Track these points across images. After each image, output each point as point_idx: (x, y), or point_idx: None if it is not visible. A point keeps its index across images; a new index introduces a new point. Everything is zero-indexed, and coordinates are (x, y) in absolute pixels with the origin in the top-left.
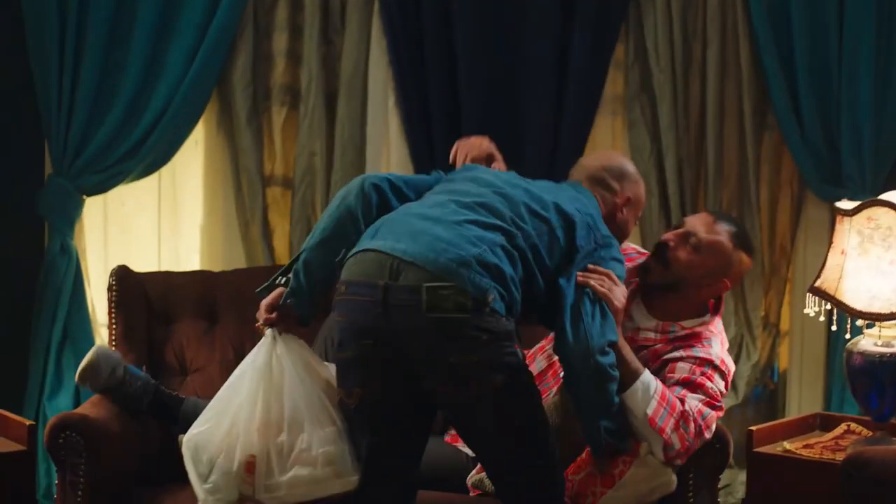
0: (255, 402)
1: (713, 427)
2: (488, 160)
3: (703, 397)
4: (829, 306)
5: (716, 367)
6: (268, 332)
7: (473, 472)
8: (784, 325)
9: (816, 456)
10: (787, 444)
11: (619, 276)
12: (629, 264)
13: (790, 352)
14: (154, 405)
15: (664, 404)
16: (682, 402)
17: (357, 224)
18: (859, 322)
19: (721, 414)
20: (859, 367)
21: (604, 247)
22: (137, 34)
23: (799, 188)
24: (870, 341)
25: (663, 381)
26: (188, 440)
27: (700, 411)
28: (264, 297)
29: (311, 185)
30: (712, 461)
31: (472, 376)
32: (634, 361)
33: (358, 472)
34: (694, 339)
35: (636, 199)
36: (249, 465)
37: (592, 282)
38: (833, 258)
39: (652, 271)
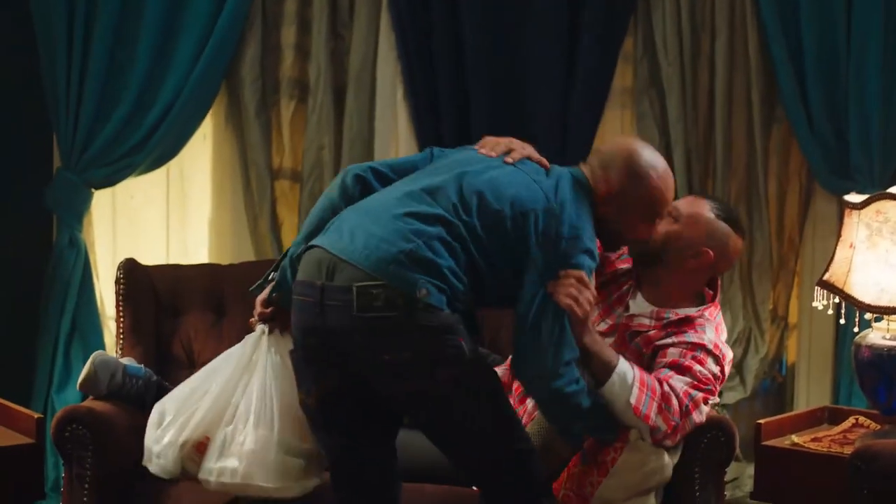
0: (224, 388)
1: (703, 409)
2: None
3: (691, 380)
4: (837, 300)
5: (708, 352)
6: (258, 327)
7: None
8: (792, 318)
9: (824, 449)
10: (795, 438)
11: (587, 269)
12: (625, 266)
13: (798, 345)
14: (157, 401)
15: (645, 390)
16: (664, 383)
17: None
18: (867, 315)
19: (713, 397)
20: (867, 360)
21: (570, 238)
22: (146, 28)
23: (807, 181)
24: (878, 335)
25: (654, 366)
26: (158, 404)
27: (686, 392)
28: (257, 295)
29: (320, 179)
30: (718, 455)
31: (407, 373)
32: (606, 353)
33: (283, 483)
34: (687, 324)
35: (629, 197)
36: (201, 445)
37: (559, 293)
38: (841, 251)
39: (638, 242)
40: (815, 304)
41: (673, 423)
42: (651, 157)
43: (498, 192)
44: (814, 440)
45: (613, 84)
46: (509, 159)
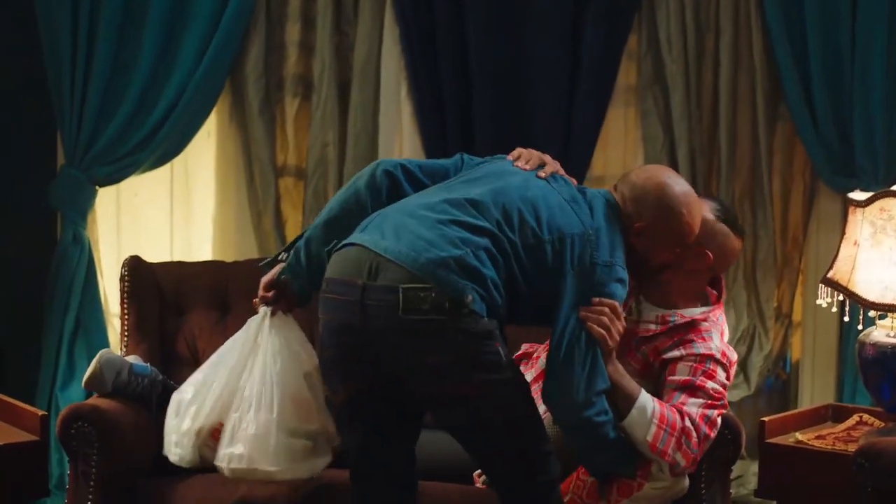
0: (231, 373)
1: (718, 422)
2: None
3: (705, 400)
4: (841, 297)
5: (717, 362)
6: (261, 309)
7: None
8: (796, 315)
9: (828, 447)
10: (799, 435)
11: (619, 298)
12: None
13: (802, 343)
14: (164, 400)
15: (664, 426)
16: (682, 415)
17: (364, 210)
18: (872, 313)
19: (725, 410)
20: (871, 358)
21: (605, 266)
22: (150, 24)
23: (811, 179)
24: (882, 332)
25: (664, 383)
26: (176, 393)
27: (703, 416)
28: (266, 273)
29: (324, 176)
30: (724, 453)
31: (449, 375)
32: (628, 386)
33: (287, 465)
34: (693, 331)
35: (660, 231)
36: (216, 432)
37: (591, 322)
38: (846, 249)
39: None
40: (819, 301)
41: (692, 455)
42: (683, 192)
43: (537, 213)
44: (818, 438)
45: (617, 82)
46: (542, 174)
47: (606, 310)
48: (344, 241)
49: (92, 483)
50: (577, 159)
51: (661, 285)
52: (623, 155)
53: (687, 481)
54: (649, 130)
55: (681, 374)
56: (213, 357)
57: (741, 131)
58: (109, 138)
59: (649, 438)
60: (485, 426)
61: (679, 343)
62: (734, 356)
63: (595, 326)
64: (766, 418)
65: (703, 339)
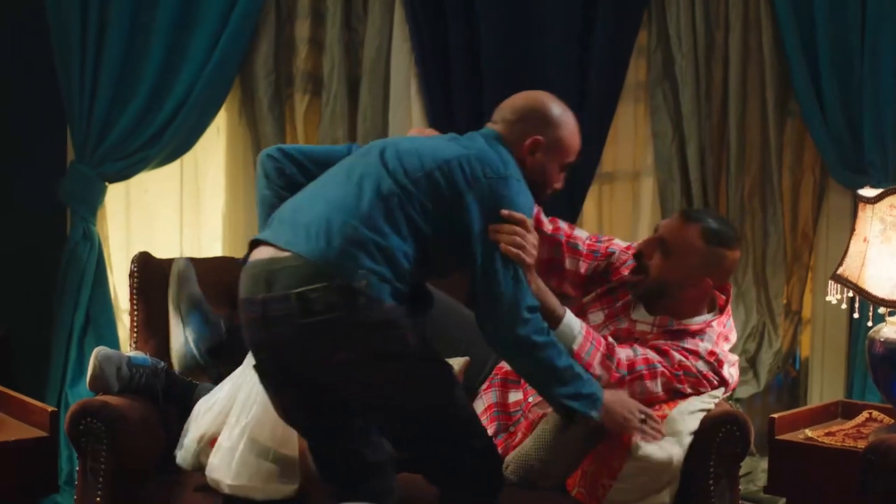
0: (233, 385)
1: (659, 382)
2: None
3: (662, 359)
4: (851, 294)
5: (699, 356)
6: None
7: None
8: (806, 312)
9: (838, 443)
10: (808, 432)
11: (525, 210)
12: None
13: (812, 339)
14: (170, 389)
15: (590, 339)
16: (608, 338)
17: (275, 201)
18: (881, 310)
19: (684, 386)
20: (881, 354)
21: (500, 179)
22: (160, 21)
23: (821, 175)
24: (892, 329)
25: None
26: (199, 403)
27: (647, 359)
28: None
29: None
30: (733, 449)
31: (357, 371)
32: (552, 302)
33: (245, 482)
34: (686, 333)
35: (551, 142)
36: (214, 441)
37: (504, 242)
38: (855, 245)
39: (635, 285)
40: (828, 298)
41: (617, 375)
42: (561, 105)
43: (419, 153)
44: (827, 434)
45: (627, 78)
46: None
47: (517, 228)
48: (250, 241)
49: (101, 479)
50: (586, 155)
51: (663, 303)
52: (633, 151)
53: (677, 461)
54: (659, 126)
55: (653, 342)
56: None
57: (751, 127)
58: (119, 134)
59: (575, 347)
60: (405, 419)
61: (670, 338)
62: (729, 358)
63: (509, 247)
64: (775, 415)
65: (695, 338)
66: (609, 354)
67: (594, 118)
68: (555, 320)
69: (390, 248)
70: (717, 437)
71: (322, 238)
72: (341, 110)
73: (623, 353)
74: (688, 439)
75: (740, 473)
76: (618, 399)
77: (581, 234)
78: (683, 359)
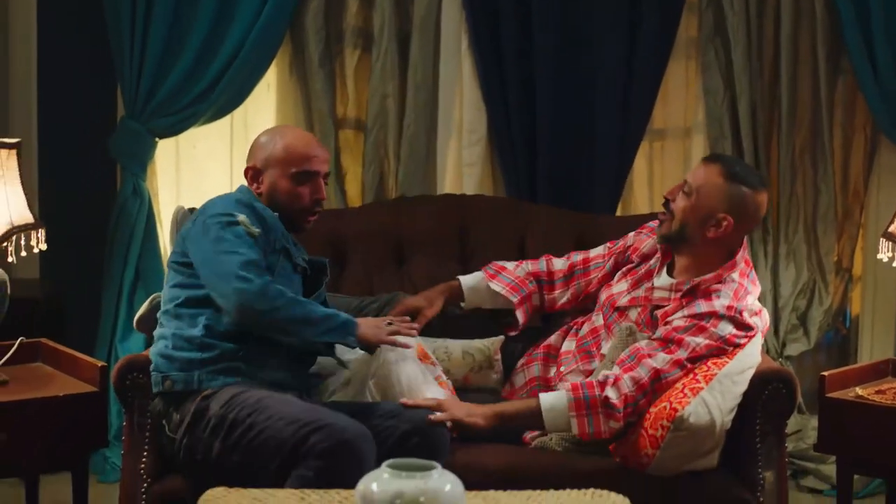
0: None
1: (670, 377)
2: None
3: (678, 355)
4: None
5: (720, 317)
6: None
7: (535, 433)
8: (857, 270)
9: (888, 402)
10: (859, 390)
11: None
12: (650, 242)
13: (862, 297)
14: None
15: (583, 412)
16: (603, 384)
17: None
18: None
19: (731, 353)
20: None
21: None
22: None
23: (872, 133)
24: None
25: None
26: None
27: (655, 371)
28: None
29: (384, 128)
30: (779, 406)
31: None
32: (520, 406)
33: None
34: (701, 292)
35: (266, 162)
36: None
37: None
38: None
39: (662, 223)
40: (879, 255)
41: (621, 416)
42: (275, 129)
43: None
44: (878, 392)
45: (678, 34)
46: None
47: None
48: None
49: (147, 434)
50: (637, 112)
51: (688, 258)
52: (684, 108)
53: (721, 426)
54: (710, 83)
55: (664, 330)
56: None
57: (802, 84)
58: (169, 90)
59: (576, 431)
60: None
61: (684, 306)
62: (750, 306)
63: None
64: (825, 373)
65: (710, 299)
66: (608, 407)
67: (645, 75)
68: (536, 415)
69: (164, 345)
70: (763, 394)
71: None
72: (391, 65)
73: (616, 390)
74: (735, 402)
75: (790, 431)
76: (363, 321)
77: (598, 250)
78: (698, 339)
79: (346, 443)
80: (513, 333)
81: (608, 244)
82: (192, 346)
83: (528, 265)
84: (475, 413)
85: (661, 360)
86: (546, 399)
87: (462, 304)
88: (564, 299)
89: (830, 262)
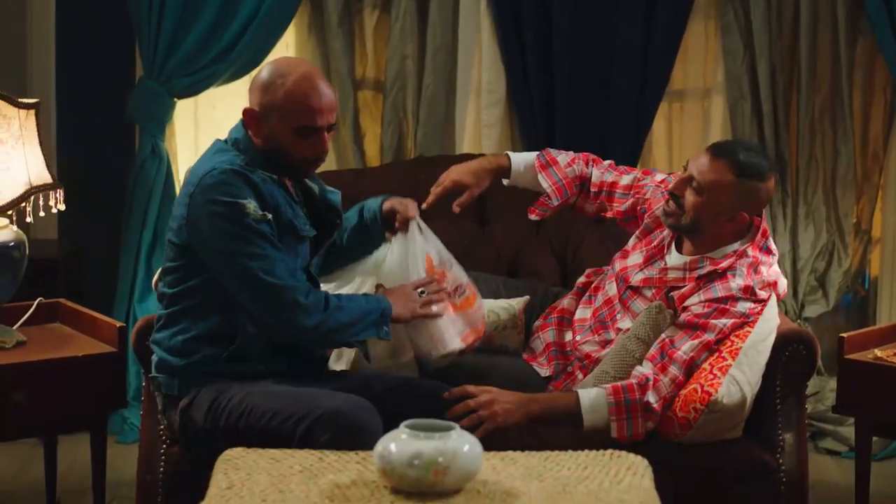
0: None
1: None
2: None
3: (704, 339)
4: None
5: (737, 299)
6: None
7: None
8: (876, 232)
9: None
10: (878, 352)
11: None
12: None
13: (881, 259)
14: None
15: (622, 416)
16: (644, 387)
17: None
18: None
19: (752, 323)
20: None
21: (203, 187)
22: None
23: (892, 95)
24: None
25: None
26: None
27: (687, 361)
28: None
29: (403, 89)
30: (799, 368)
31: None
32: (560, 402)
33: None
34: (717, 276)
35: (266, 108)
36: None
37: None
38: None
39: (670, 214)
40: None
41: (658, 418)
42: (279, 67)
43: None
44: None
45: None
46: None
47: None
48: None
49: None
50: (656, 72)
51: (695, 240)
52: (703, 68)
53: (749, 400)
54: (730, 44)
55: (686, 316)
56: None
57: (822, 45)
58: (188, 50)
59: (615, 436)
60: None
61: (700, 288)
62: (764, 278)
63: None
64: (844, 334)
65: (725, 279)
66: (648, 411)
67: (664, 34)
68: (572, 412)
69: (163, 343)
70: (783, 356)
71: None
72: (411, 26)
73: (656, 393)
74: (762, 371)
75: (809, 393)
76: (395, 297)
77: (627, 179)
78: (724, 320)
79: (348, 426)
80: (533, 217)
81: (638, 175)
82: (173, 352)
83: (578, 167)
84: (511, 419)
85: (689, 347)
86: (587, 400)
87: (504, 181)
88: (590, 210)
89: (849, 223)
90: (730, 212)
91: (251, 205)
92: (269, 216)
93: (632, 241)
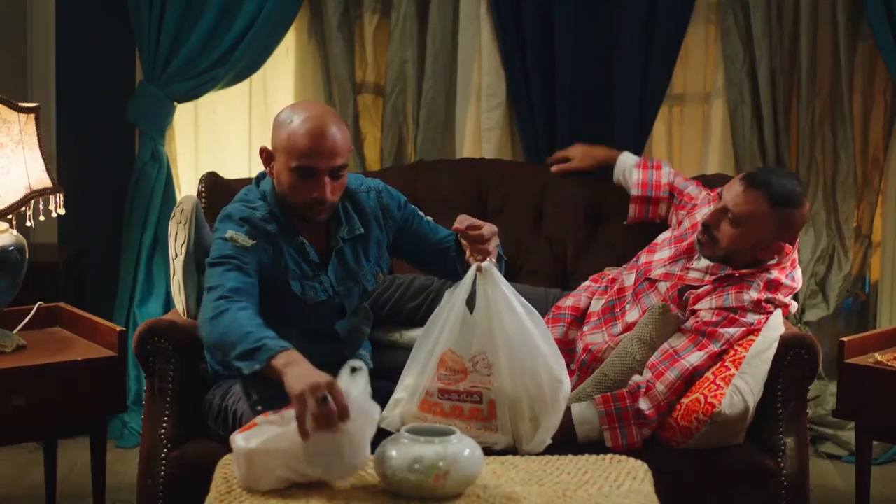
0: None
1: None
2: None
3: (710, 349)
4: None
5: (745, 310)
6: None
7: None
8: (876, 236)
9: None
10: (878, 356)
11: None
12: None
13: (882, 263)
14: None
15: (615, 424)
16: (636, 393)
17: None
18: None
19: (755, 337)
20: None
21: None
22: None
23: (892, 99)
24: None
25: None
26: None
27: (689, 371)
28: None
29: (403, 93)
30: (801, 372)
31: None
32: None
33: None
34: (734, 281)
35: (275, 146)
36: None
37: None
38: None
39: (704, 246)
40: None
41: (655, 424)
42: (297, 108)
43: None
44: None
45: None
46: None
47: None
48: None
49: (168, 398)
50: (656, 77)
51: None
52: (703, 73)
53: (752, 407)
54: (730, 48)
55: (695, 322)
56: None
57: (822, 50)
58: (188, 54)
59: (609, 445)
60: None
61: (715, 290)
62: (784, 300)
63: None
64: (844, 338)
65: (740, 288)
66: (642, 418)
67: (664, 39)
68: (567, 427)
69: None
70: (785, 360)
71: None
72: (410, 30)
73: (649, 400)
74: (765, 379)
75: (809, 397)
76: (303, 367)
77: (693, 190)
78: (732, 329)
79: None
80: (626, 223)
81: (699, 188)
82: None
83: (677, 179)
84: None
85: (695, 357)
86: (577, 412)
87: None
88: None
89: (850, 227)
90: (766, 241)
91: (231, 234)
92: (250, 243)
93: (663, 235)
